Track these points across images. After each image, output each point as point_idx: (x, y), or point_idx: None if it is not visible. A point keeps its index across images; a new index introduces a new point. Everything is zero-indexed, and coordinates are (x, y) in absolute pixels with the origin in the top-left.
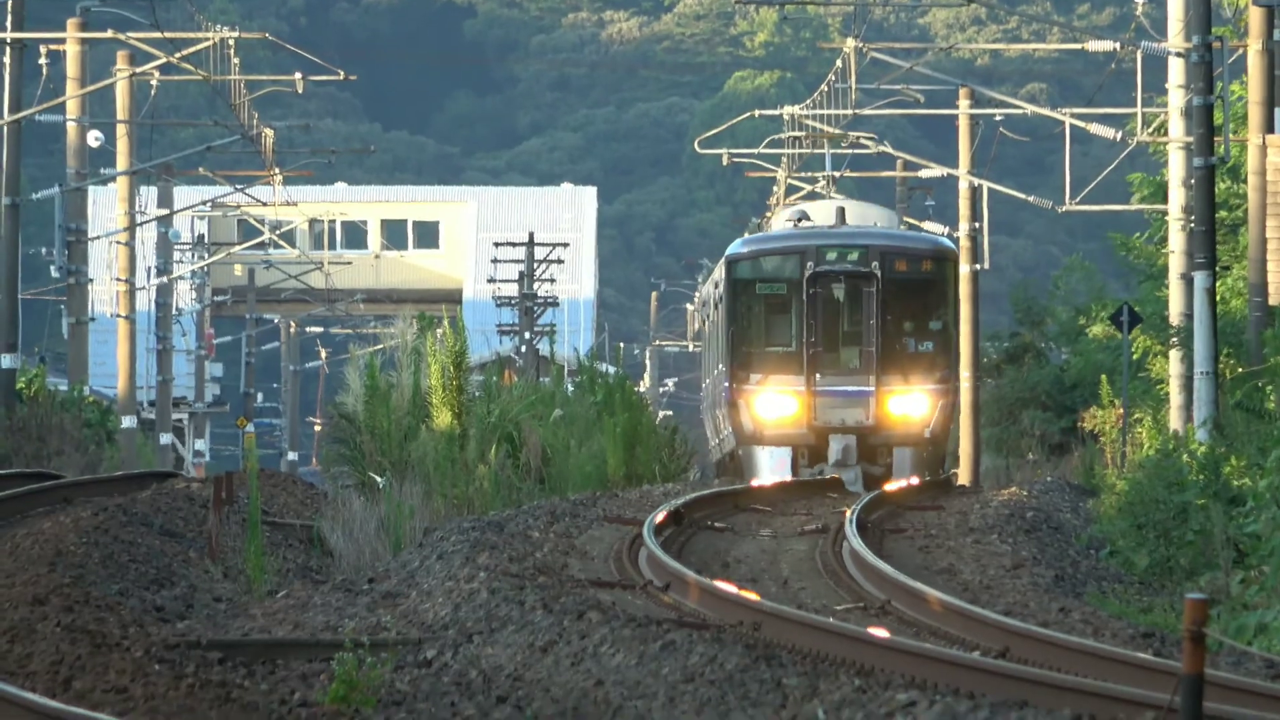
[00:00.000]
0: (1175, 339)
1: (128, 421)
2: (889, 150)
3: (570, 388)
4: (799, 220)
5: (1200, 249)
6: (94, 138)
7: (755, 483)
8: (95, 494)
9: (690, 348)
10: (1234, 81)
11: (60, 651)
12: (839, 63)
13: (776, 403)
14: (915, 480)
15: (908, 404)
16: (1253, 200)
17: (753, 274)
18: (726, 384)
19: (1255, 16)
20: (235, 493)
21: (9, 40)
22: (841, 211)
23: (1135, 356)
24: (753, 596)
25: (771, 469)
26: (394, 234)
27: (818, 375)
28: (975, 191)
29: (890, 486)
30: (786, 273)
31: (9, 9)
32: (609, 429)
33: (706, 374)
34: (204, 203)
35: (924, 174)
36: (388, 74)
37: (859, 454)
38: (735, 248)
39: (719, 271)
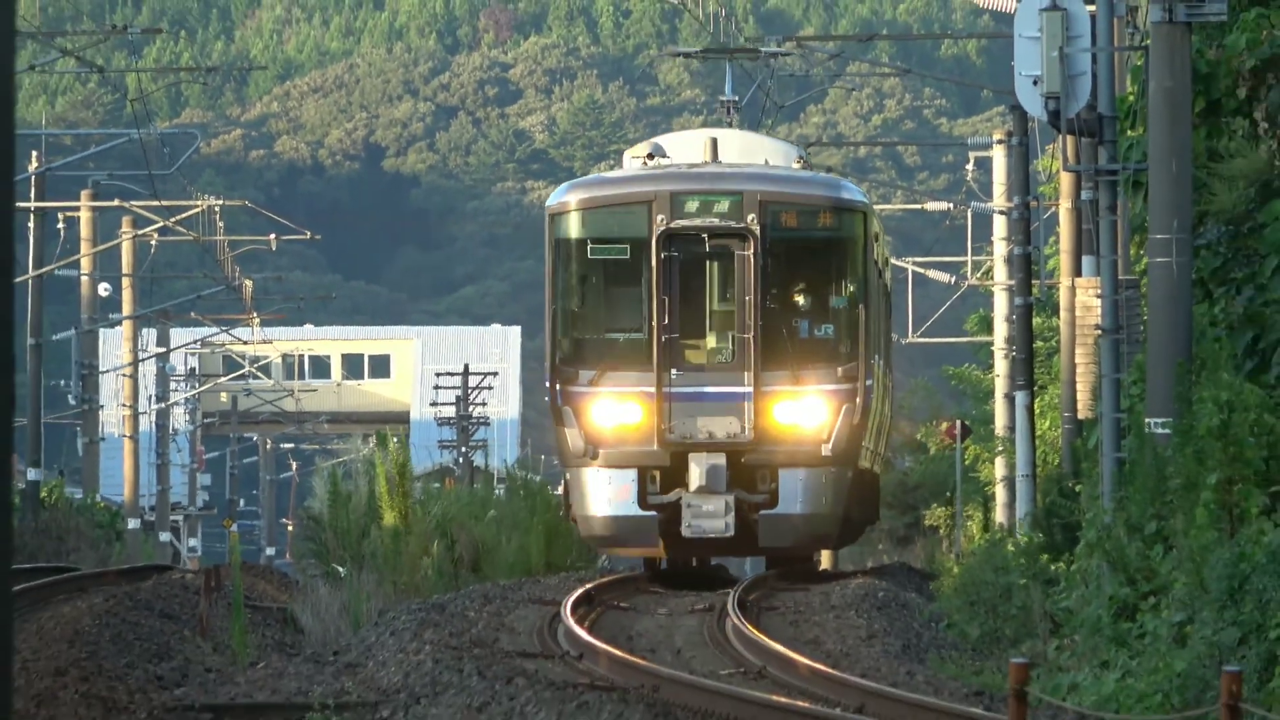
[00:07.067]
0: (1000, 448)
1: (132, 523)
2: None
3: (500, 493)
4: (650, 157)
5: (1020, 373)
6: (103, 288)
7: (587, 515)
8: (106, 584)
9: None
10: (1049, 236)
11: (78, 715)
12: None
13: (615, 409)
14: (805, 510)
15: (799, 410)
16: (1064, 332)
17: (582, 231)
18: (548, 385)
19: (1065, 180)
20: (222, 582)
21: (32, 209)
22: (714, 143)
23: (967, 462)
24: (652, 664)
25: (608, 500)
26: (352, 366)
27: (673, 371)
28: None
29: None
30: (629, 229)
31: (31, 183)
32: (532, 527)
33: None
34: (195, 341)
35: None
36: (347, 234)
37: (731, 479)
38: (559, 195)
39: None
